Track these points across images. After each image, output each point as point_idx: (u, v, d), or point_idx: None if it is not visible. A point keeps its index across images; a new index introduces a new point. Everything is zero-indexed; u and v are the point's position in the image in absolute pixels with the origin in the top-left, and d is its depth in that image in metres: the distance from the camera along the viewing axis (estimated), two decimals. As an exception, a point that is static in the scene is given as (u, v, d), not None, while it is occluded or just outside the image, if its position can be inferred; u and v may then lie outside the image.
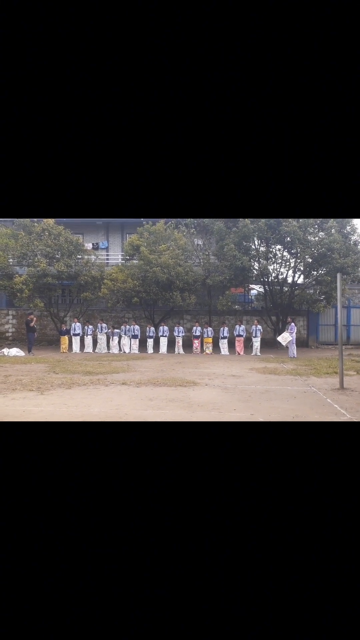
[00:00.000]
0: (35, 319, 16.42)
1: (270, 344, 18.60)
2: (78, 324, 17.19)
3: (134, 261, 17.79)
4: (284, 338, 15.21)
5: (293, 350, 15.01)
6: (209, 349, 16.71)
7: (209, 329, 17.07)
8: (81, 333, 17.03)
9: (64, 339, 16.71)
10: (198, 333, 17.09)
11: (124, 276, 16.67)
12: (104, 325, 17.26)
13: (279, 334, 18.26)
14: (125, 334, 17.09)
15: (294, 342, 15.15)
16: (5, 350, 15.17)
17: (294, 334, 15.29)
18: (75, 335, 16.95)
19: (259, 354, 15.75)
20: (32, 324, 15.88)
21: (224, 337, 16.71)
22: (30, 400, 6.79)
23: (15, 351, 15.41)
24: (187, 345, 17.49)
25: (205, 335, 16.90)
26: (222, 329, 17.04)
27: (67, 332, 17.09)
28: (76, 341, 16.95)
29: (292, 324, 15.68)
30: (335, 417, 5.87)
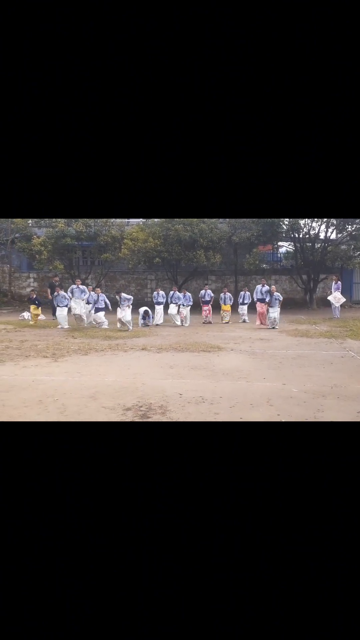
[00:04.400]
0: (58, 280, 15.01)
1: (300, 305, 17.70)
2: (62, 292, 12.61)
3: (155, 219, 16.92)
4: (337, 298, 13.80)
5: (337, 311, 13.82)
6: (226, 317, 13.64)
7: (227, 294, 14.01)
8: (68, 303, 12.32)
9: (34, 309, 13.32)
10: (208, 298, 13.87)
11: (144, 235, 15.88)
12: (125, 295, 12.07)
13: (310, 295, 17.30)
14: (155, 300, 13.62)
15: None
16: (26, 314, 14.77)
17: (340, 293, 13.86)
18: (62, 306, 12.41)
19: (276, 327, 11.81)
20: (57, 287, 14.88)
21: (244, 303, 13.79)
22: (42, 368, 6.38)
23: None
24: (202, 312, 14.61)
25: (222, 302, 13.90)
26: (242, 293, 14.07)
27: (37, 301, 13.41)
28: (62, 313, 12.39)
29: (339, 282, 14.23)
30: (381, 388, 5.14)
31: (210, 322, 13.45)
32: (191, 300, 13.45)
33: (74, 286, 12.60)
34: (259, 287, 13.09)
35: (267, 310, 12.15)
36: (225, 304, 13.87)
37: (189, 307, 13.34)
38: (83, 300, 12.25)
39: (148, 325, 12.83)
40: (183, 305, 13.25)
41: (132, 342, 9.11)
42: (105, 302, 12.58)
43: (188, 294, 13.63)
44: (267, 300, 12.33)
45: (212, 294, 14.24)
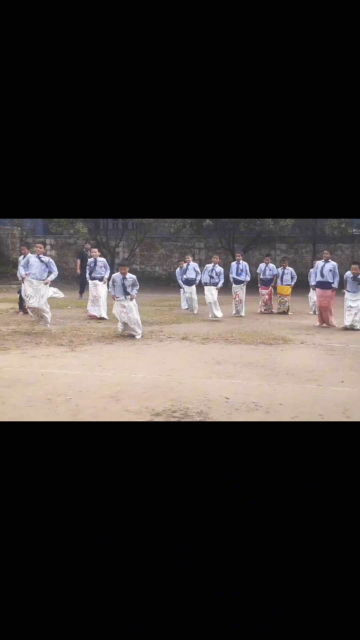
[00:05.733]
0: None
1: None
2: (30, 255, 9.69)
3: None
4: None
5: None
6: (284, 304, 12.38)
7: (288, 269, 12.56)
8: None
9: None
10: (269, 275, 12.60)
11: (192, 189, 15.95)
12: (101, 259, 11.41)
13: None
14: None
15: None
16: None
17: None
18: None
19: (354, 324, 9.70)
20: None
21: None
22: (55, 359, 6.78)
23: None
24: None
25: (279, 282, 12.48)
26: (312, 271, 11.30)
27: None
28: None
29: None
30: None
31: (272, 312, 12.64)
32: (248, 273, 12.19)
33: (30, 255, 9.53)
34: (319, 263, 10.76)
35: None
36: (283, 284, 12.45)
37: (245, 285, 12.02)
38: (45, 281, 9.21)
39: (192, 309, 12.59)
40: (239, 280, 11.92)
41: (171, 329, 9.44)
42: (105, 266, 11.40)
43: (244, 262, 12.34)
44: (333, 284, 10.28)
45: (276, 271, 12.92)
